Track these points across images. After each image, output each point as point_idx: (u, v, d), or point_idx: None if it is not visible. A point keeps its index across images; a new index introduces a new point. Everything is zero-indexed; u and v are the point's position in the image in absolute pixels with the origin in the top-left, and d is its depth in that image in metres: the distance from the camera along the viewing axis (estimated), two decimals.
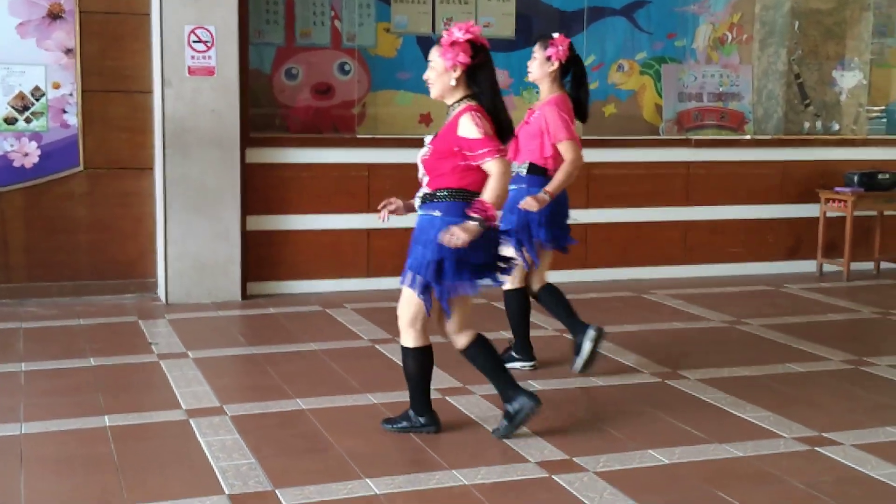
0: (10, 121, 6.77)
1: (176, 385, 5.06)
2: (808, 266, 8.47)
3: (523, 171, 5.21)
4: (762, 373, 5.47)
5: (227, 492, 3.76)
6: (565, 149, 5.14)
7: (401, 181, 6.40)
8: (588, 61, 8.17)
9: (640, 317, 6.79)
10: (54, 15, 6.76)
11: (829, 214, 8.34)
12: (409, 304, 4.23)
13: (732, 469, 4.10)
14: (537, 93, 5.45)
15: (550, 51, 5.22)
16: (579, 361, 5.28)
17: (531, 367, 5.40)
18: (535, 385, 5.12)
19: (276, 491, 3.77)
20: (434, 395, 4.52)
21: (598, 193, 7.92)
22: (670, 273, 8.11)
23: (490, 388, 4.48)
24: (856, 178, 8.19)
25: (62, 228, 6.92)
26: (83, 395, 4.90)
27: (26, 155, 6.81)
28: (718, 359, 5.70)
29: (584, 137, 7.77)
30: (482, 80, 4.16)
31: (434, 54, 4.19)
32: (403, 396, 4.49)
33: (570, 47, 5.25)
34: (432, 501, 3.75)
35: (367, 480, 3.87)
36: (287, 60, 7.59)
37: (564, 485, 3.87)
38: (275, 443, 4.29)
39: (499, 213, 4.12)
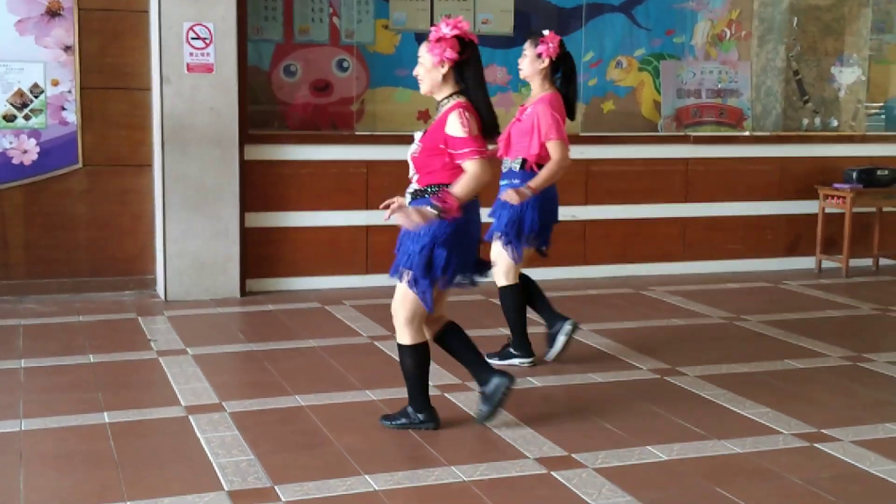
0: (9, 118, 6.77)
1: (175, 382, 5.07)
2: (806, 262, 8.47)
3: (516, 167, 5.24)
4: (761, 369, 5.47)
5: (226, 488, 3.76)
6: (553, 148, 5.16)
7: (399, 178, 6.29)
8: (586, 58, 8.18)
9: (638, 313, 6.78)
10: (53, 12, 6.76)
11: (827, 211, 8.34)
12: (405, 301, 4.24)
13: (731, 465, 4.10)
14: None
15: (541, 48, 5.24)
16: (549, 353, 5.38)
17: (530, 363, 5.40)
18: (533, 381, 5.13)
19: (276, 487, 3.78)
20: (433, 392, 4.53)
21: (597, 190, 7.92)
22: (669, 269, 8.11)
23: None
24: (854, 175, 8.19)
25: (61, 225, 6.92)
26: (82, 391, 4.91)
27: (25, 152, 6.81)
28: (717, 355, 5.70)
29: (582, 134, 7.86)
30: (469, 76, 4.17)
31: (422, 50, 4.20)
32: (402, 393, 4.49)
33: (561, 44, 5.28)
34: (431, 498, 3.76)
35: (366, 477, 3.88)
36: (286, 57, 7.58)
37: (563, 481, 3.88)
38: (274, 439, 4.30)
39: (456, 208, 4.08)
